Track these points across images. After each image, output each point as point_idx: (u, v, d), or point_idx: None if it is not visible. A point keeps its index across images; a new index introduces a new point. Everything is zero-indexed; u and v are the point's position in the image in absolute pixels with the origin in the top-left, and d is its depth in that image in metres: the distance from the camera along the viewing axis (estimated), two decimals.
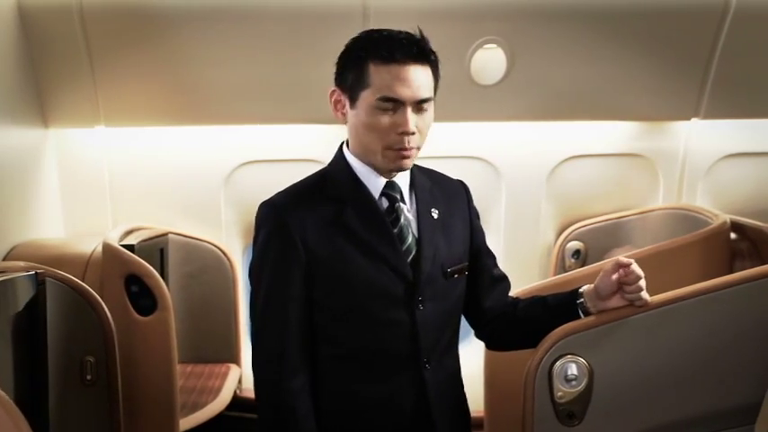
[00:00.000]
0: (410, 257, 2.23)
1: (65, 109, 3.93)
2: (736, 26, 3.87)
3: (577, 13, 3.83)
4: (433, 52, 2.20)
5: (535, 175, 4.39)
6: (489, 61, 3.95)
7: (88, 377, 2.62)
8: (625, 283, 2.28)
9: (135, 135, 4.16)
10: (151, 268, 3.12)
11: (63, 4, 3.62)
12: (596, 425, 2.37)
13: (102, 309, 2.63)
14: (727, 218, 3.67)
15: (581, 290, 2.39)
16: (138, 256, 3.29)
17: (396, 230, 2.23)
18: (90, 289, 2.65)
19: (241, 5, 3.74)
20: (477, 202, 4.34)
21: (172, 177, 4.22)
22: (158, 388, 3.11)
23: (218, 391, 3.73)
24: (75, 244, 3.49)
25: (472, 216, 2.46)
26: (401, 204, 2.26)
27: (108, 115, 3.96)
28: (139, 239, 3.55)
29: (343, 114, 2.23)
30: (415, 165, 2.35)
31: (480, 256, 2.45)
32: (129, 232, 3.61)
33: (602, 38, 3.93)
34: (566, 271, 4.23)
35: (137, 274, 3.11)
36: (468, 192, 2.49)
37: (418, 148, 2.19)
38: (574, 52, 3.96)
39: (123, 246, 3.26)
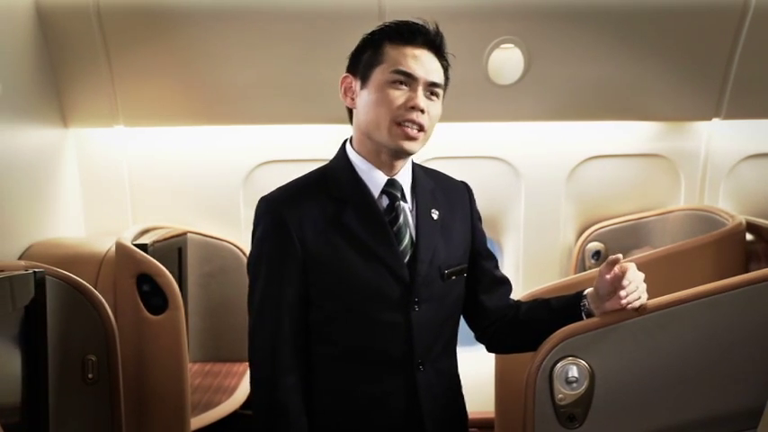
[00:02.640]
0: (407, 258, 2.23)
1: (84, 109, 3.97)
2: (756, 26, 3.83)
3: (595, 12, 3.81)
4: (447, 53, 2.26)
5: (555, 176, 4.37)
6: (507, 61, 3.94)
7: (90, 376, 2.64)
8: (620, 287, 2.26)
9: (154, 135, 4.20)
10: (162, 267, 3.14)
11: (80, 4, 3.65)
12: (597, 427, 2.36)
13: (104, 307, 2.64)
14: (743, 219, 3.63)
15: (584, 292, 2.38)
16: (155, 256, 3.32)
17: (394, 229, 2.23)
18: (91, 287, 2.66)
19: (259, 5, 3.76)
20: (496, 203, 4.39)
21: (191, 177, 4.25)
22: (169, 386, 3.13)
23: (233, 390, 3.74)
24: (90, 243, 3.52)
25: (474, 218, 2.45)
26: (401, 203, 2.26)
27: (126, 115, 4.00)
28: (156, 239, 3.58)
29: (353, 99, 2.26)
30: (418, 165, 2.38)
31: (480, 258, 2.44)
32: (144, 232, 3.64)
33: (620, 37, 3.90)
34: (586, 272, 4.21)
35: (148, 273, 3.13)
36: (471, 193, 2.48)
37: (425, 133, 2.20)
38: (591, 52, 3.94)
39: (136, 245, 3.28)
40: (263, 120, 4.12)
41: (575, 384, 2.34)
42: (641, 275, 2.30)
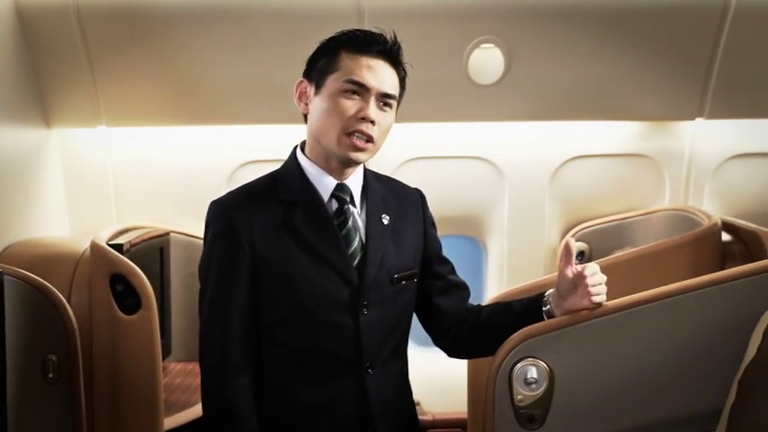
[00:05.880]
0: (356, 261, 2.25)
1: (66, 109, 3.97)
2: (736, 25, 3.82)
3: (575, 12, 3.80)
4: (404, 64, 2.27)
5: (538, 176, 4.36)
6: (487, 61, 3.93)
7: (50, 375, 2.65)
8: (582, 285, 2.27)
9: (138, 135, 4.20)
10: (135, 267, 3.13)
11: (59, 5, 3.66)
12: (556, 428, 2.37)
13: (65, 307, 2.65)
14: (718, 219, 3.63)
15: (546, 293, 2.39)
16: (134, 256, 3.33)
17: (342, 233, 2.24)
18: (52, 287, 2.68)
19: (239, 6, 3.76)
20: (480, 203, 4.39)
21: (175, 177, 4.25)
22: (143, 386, 3.12)
23: None
24: (68, 243, 3.52)
25: (426, 224, 2.46)
26: (350, 207, 2.27)
27: (109, 115, 3.99)
28: (136, 239, 3.58)
29: (306, 105, 2.27)
30: (370, 171, 2.39)
31: (434, 264, 2.46)
32: (123, 231, 3.63)
33: (600, 37, 3.89)
34: None
35: (121, 273, 3.13)
36: (424, 200, 2.49)
37: (374, 144, 2.21)
38: (573, 52, 3.93)
39: (112, 245, 3.28)
40: (246, 120, 4.12)
41: (534, 385, 2.35)
42: (602, 276, 2.31)
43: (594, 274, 2.29)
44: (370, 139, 2.18)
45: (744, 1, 3.76)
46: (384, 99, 2.20)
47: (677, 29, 3.88)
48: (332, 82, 2.19)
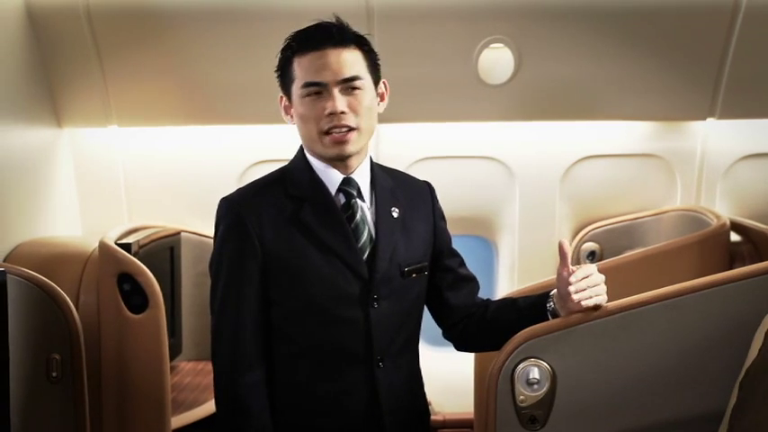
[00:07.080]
0: (365, 255, 2.25)
1: (77, 109, 3.99)
2: (748, 24, 3.80)
3: (585, 12, 3.80)
4: (358, 34, 2.25)
5: (549, 176, 4.35)
6: (497, 61, 3.94)
7: (54, 374, 2.66)
8: (578, 289, 2.26)
9: (150, 134, 4.22)
10: (142, 266, 3.15)
11: (70, 5, 3.68)
12: (558, 429, 2.35)
13: (68, 306, 2.66)
14: (727, 219, 3.61)
15: (551, 293, 2.38)
16: (143, 255, 3.34)
17: (351, 227, 2.25)
18: (55, 286, 2.69)
19: (250, 5, 3.78)
20: (491, 203, 4.38)
21: (186, 177, 4.26)
22: (150, 385, 3.13)
23: None
24: (77, 242, 3.54)
25: (436, 217, 2.46)
26: (357, 200, 2.28)
27: (120, 115, 4.02)
28: (145, 239, 3.59)
29: (292, 117, 2.29)
30: (378, 164, 2.39)
31: (444, 257, 2.46)
32: (132, 231, 3.64)
33: (610, 37, 3.88)
34: None
35: (129, 272, 3.14)
36: (434, 192, 2.49)
37: (359, 131, 2.22)
38: (582, 52, 3.92)
39: (120, 245, 3.29)
40: (257, 119, 4.12)
41: (536, 386, 2.33)
42: (599, 276, 2.29)
43: (586, 278, 2.27)
44: (349, 129, 2.19)
45: (755, 0, 3.74)
46: (349, 83, 2.19)
47: (688, 28, 3.87)
48: (295, 90, 2.22)
